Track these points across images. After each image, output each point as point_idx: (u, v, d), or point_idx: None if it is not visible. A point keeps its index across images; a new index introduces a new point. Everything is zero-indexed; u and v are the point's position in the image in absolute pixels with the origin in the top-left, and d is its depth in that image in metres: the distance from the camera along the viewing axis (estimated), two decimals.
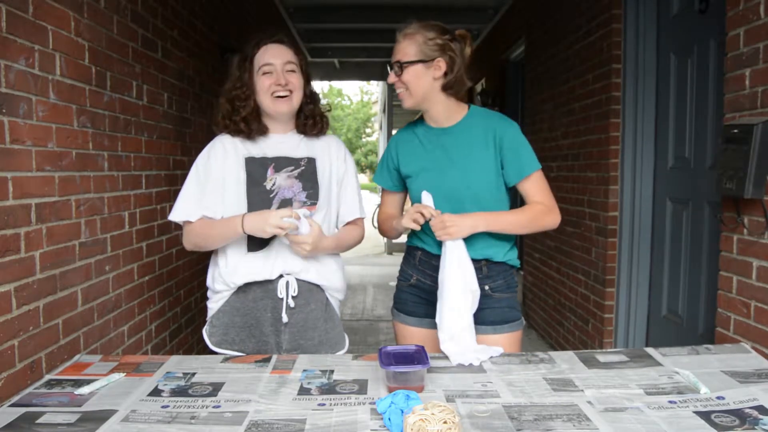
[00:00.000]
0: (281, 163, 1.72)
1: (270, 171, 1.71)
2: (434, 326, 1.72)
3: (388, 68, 1.71)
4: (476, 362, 1.55)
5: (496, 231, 1.68)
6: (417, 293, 1.81)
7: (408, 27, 1.69)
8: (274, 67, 1.66)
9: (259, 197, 1.68)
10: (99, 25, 2.06)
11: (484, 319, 1.72)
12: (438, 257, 1.68)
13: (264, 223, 1.57)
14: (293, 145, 1.75)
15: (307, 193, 1.71)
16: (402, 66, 1.66)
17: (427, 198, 1.66)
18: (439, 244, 1.66)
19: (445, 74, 1.67)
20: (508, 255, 1.78)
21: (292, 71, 1.69)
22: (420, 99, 1.70)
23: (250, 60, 1.68)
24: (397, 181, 1.85)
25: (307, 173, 1.73)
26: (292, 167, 1.72)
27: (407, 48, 1.67)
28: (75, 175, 1.91)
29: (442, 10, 5.58)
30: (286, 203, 1.69)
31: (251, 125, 1.70)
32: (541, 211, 1.73)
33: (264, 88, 1.67)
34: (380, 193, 1.92)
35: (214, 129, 1.77)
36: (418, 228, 1.65)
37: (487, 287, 1.73)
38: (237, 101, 1.69)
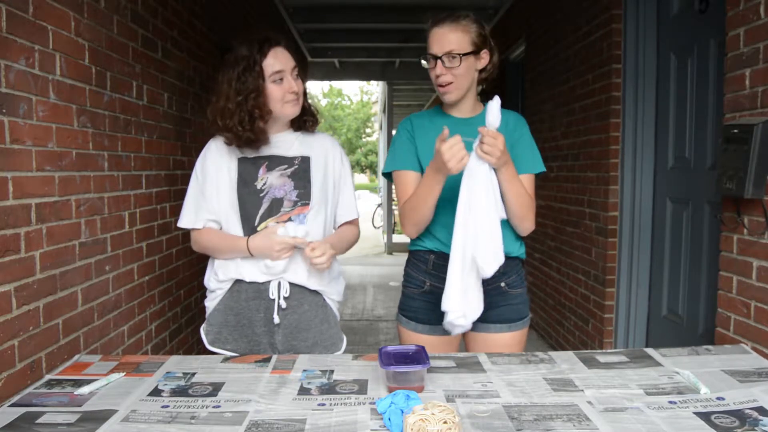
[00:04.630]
0: (275, 161, 1.72)
1: (262, 170, 1.71)
2: (447, 333, 1.71)
3: (438, 60, 1.62)
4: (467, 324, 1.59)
5: (506, 182, 1.59)
6: (431, 300, 1.74)
7: (458, 19, 1.65)
8: (284, 74, 1.65)
9: (249, 197, 1.69)
10: (99, 25, 2.06)
11: (499, 317, 1.71)
12: None
13: (269, 249, 1.63)
14: (288, 145, 1.75)
15: (298, 192, 1.71)
16: (461, 58, 1.62)
17: (495, 105, 1.52)
18: None
19: (485, 66, 1.69)
20: (521, 248, 1.77)
21: (298, 76, 1.69)
22: (464, 91, 1.69)
23: (259, 65, 1.63)
24: (418, 160, 1.75)
25: (300, 172, 1.73)
26: (285, 166, 1.73)
27: (461, 40, 1.63)
28: (75, 175, 1.91)
29: (441, 10, 5.56)
30: (276, 203, 1.70)
31: (260, 136, 1.67)
32: (533, 206, 1.70)
33: (277, 96, 1.65)
34: (396, 182, 1.78)
35: (222, 136, 1.70)
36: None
37: (503, 284, 1.73)
38: (256, 110, 1.63)
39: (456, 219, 1.56)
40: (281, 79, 1.65)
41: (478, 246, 1.53)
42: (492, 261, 1.54)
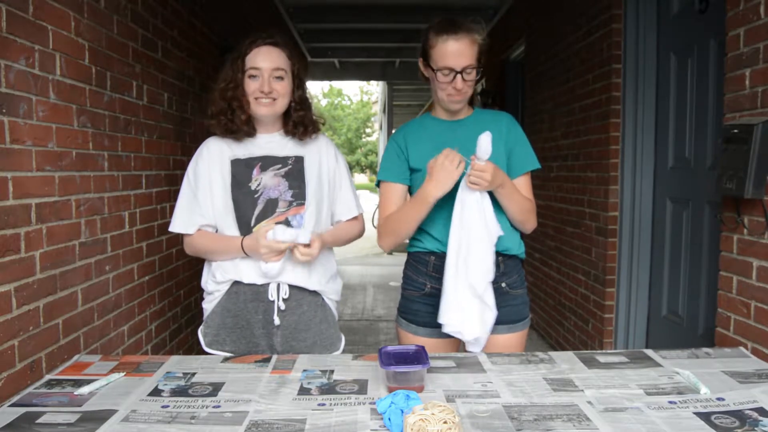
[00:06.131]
0: (268, 161, 1.72)
1: (256, 171, 1.70)
2: (447, 335, 1.71)
3: (459, 74, 1.62)
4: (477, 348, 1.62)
5: (504, 198, 1.63)
6: (432, 302, 1.73)
7: (472, 32, 1.64)
8: (261, 72, 1.65)
9: (243, 198, 1.68)
10: (99, 25, 2.06)
11: (500, 318, 1.70)
12: None
13: (256, 250, 1.62)
14: (281, 145, 1.75)
15: (293, 192, 1.70)
16: (479, 71, 1.65)
17: (486, 138, 1.53)
18: None
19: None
20: (521, 247, 1.78)
21: (280, 78, 1.67)
22: (467, 99, 1.72)
23: (242, 59, 1.67)
24: (407, 172, 1.77)
25: (294, 172, 1.72)
26: (279, 165, 1.72)
27: (475, 53, 1.65)
28: (75, 175, 1.91)
29: (441, 10, 5.58)
30: (271, 203, 1.69)
31: (242, 127, 1.69)
32: (533, 207, 1.74)
33: (248, 91, 1.67)
34: (380, 192, 1.82)
35: (206, 122, 1.74)
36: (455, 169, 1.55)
37: (504, 284, 1.73)
38: (234, 102, 1.68)
39: (449, 242, 1.62)
40: (255, 76, 1.66)
41: (469, 269, 1.59)
42: (482, 280, 1.60)
